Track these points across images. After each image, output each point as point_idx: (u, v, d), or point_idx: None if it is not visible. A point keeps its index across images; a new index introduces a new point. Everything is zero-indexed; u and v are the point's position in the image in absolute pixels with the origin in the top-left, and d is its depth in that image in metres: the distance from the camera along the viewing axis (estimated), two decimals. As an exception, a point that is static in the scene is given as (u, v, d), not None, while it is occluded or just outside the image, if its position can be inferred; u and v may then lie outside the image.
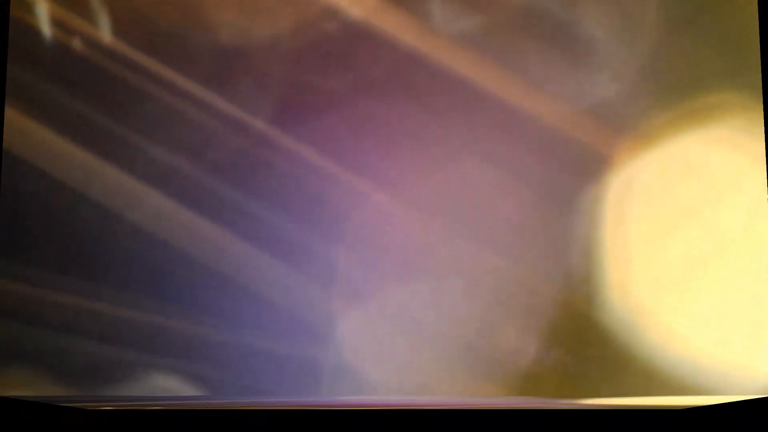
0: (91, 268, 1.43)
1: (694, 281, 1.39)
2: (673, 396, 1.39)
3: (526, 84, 1.43)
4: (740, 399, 1.41)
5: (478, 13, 1.45)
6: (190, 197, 1.44)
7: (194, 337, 1.42)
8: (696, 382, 1.37)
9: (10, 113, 1.46)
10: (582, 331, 1.40)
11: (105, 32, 1.46)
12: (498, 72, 1.44)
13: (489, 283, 1.41)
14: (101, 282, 1.43)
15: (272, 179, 1.44)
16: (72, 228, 1.44)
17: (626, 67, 1.42)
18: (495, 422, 1.60)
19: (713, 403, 1.50)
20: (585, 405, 1.48)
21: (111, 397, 1.43)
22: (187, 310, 1.43)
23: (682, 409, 1.56)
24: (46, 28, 1.47)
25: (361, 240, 1.43)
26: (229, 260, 1.43)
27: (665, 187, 1.40)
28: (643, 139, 1.41)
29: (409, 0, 1.45)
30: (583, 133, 1.42)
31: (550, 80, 1.43)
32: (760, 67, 1.39)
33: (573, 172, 1.41)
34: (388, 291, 1.42)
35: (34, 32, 1.47)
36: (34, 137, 1.46)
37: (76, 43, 1.46)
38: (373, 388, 1.41)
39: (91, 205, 1.44)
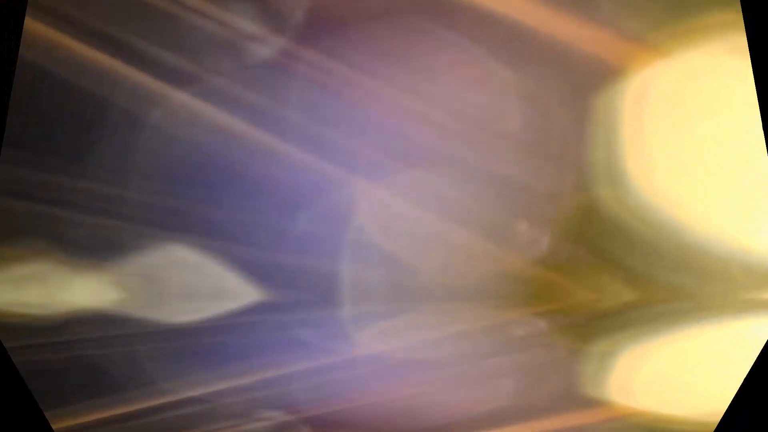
0: (116, 163, 1.48)
1: (712, 171, 1.45)
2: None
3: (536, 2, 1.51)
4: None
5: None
6: (213, 100, 1.49)
7: (215, 218, 1.46)
8: (715, 262, 1.43)
9: (32, 27, 1.51)
10: (604, 220, 1.45)
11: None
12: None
13: (505, 175, 1.46)
14: (126, 173, 1.48)
15: (294, 85, 1.49)
16: (96, 127, 1.49)
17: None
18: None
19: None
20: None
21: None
22: (211, 196, 1.47)
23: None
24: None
25: (383, 133, 1.48)
26: (248, 150, 1.48)
27: (677, 90, 1.47)
28: (652, 51, 1.48)
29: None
30: (594, 46, 1.49)
31: None
32: None
33: (589, 79, 1.48)
34: (409, 175, 1.47)
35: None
36: (57, 49, 1.51)
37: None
38: (393, 262, 1.45)
39: (116, 109, 1.49)
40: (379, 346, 1.46)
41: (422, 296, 1.46)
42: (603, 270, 1.45)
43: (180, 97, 1.49)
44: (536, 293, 1.46)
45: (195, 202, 1.47)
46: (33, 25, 1.51)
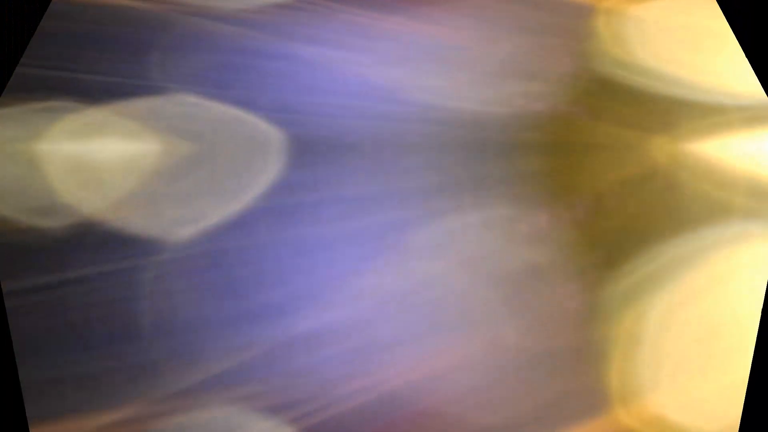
0: (137, 55, 1.54)
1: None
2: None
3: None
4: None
5: None
6: (224, 21, 1.57)
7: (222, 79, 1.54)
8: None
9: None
10: (596, 81, 1.55)
11: None
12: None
13: (501, 54, 1.57)
14: (145, 63, 1.54)
15: (304, 17, 1.57)
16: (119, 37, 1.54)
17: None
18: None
19: None
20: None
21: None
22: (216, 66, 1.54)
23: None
24: None
25: (388, 39, 1.57)
26: (259, 48, 1.56)
27: (661, 20, 1.60)
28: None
29: None
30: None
31: None
32: None
33: (575, 18, 1.59)
34: (420, 42, 1.57)
35: None
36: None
37: None
38: (390, 125, 1.51)
39: (136, 27, 1.55)
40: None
41: (423, 177, 1.51)
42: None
43: (191, 19, 1.56)
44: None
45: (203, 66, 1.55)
46: None
